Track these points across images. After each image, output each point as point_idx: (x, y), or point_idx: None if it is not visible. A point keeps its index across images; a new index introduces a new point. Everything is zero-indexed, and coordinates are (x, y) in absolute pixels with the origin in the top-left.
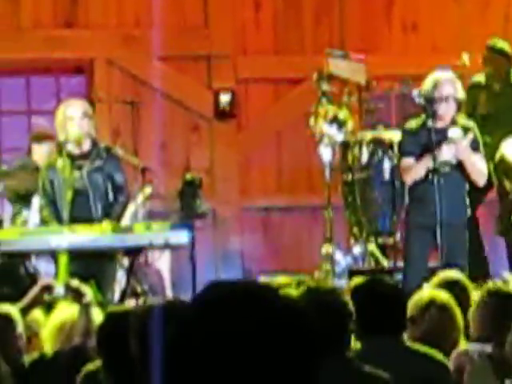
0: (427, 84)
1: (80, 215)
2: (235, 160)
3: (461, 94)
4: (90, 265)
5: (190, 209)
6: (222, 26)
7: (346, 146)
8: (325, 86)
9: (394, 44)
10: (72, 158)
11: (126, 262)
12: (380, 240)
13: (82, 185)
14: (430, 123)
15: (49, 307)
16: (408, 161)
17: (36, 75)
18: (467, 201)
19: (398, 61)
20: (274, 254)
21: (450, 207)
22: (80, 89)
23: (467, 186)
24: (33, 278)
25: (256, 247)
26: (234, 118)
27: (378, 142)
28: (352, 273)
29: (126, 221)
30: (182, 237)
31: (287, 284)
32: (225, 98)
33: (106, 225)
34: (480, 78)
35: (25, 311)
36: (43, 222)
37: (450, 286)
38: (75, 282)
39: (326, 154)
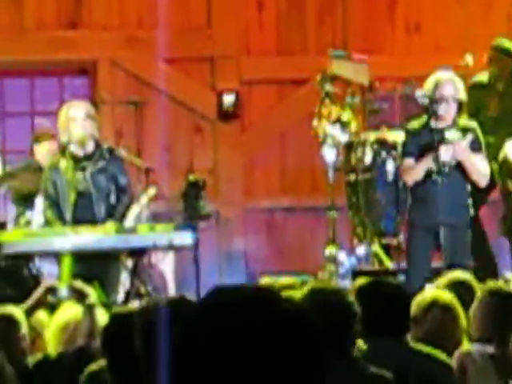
0: (428, 84)
1: (83, 216)
2: (239, 161)
3: (462, 95)
4: (94, 266)
5: (194, 210)
6: (226, 26)
7: (349, 146)
8: (328, 87)
9: (398, 44)
10: (75, 159)
11: (129, 263)
12: (384, 241)
13: (85, 186)
14: (431, 124)
15: (53, 308)
16: (408, 161)
17: (39, 76)
18: (469, 201)
19: (401, 61)
20: (277, 254)
21: (451, 208)
22: (83, 90)
23: (469, 187)
24: (36, 280)
25: (260, 248)
26: (237, 119)
27: (381, 143)
28: (356, 274)
29: (129, 222)
30: (185, 238)
31: (291, 285)
32: (228, 99)
33: (110, 226)
34: (482, 77)
35: (29, 312)
36: (47, 223)
37: (458, 286)
38: (79, 284)
39: (329, 154)
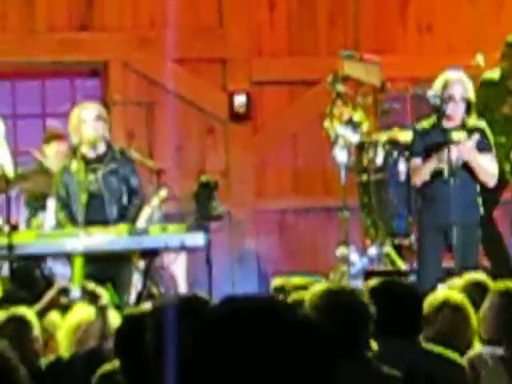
0: (437, 84)
1: (95, 218)
2: (250, 162)
3: (471, 95)
4: (106, 267)
5: (206, 211)
6: (237, 27)
7: (361, 147)
8: (340, 88)
9: (409, 45)
10: (86, 160)
11: (141, 264)
12: (396, 241)
13: (96, 188)
14: (441, 124)
15: (65, 310)
16: (415, 162)
17: (51, 78)
18: (479, 200)
19: (412, 62)
20: (289, 255)
21: (461, 207)
22: (95, 91)
23: (477, 186)
24: (49, 281)
25: (271, 249)
26: (249, 120)
27: (393, 143)
28: (368, 274)
29: (141, 223)
30: (197, 239)
31: (303, 285)
32: (240, 100)
33: (122, 227)
34: (493, 74)
35: (41, 314)
36: (59, 224)
37: (474, 287)
38: (91, 285)
39: (341, 155)
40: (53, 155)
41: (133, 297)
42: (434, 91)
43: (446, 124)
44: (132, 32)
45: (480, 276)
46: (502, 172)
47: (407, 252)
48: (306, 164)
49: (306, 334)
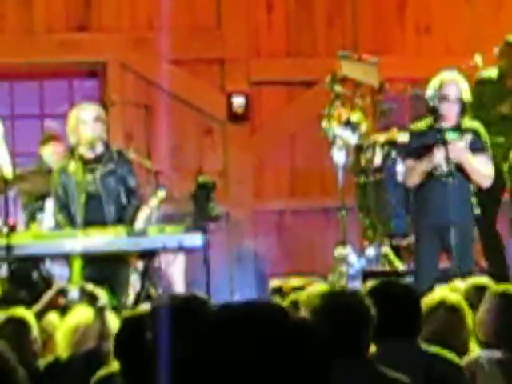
0: (432, 85)
1: (93, 219)
2: (249, 163)
3: (466, 95)
4: (104, 268)
5: (204, 212)
6: (235, 28)
7: (359, 148)
8: (338, 89)
9: (407, 45)
10: (84, 161)
11: (140, 265)
12: (394, 242)
13: (94, 188)
14: (436, 124)
15: (64, 311)
16: (409, 163)
17: (49, 79)
18: (473, 200)
19: (411, 62)
20: (287, 256)
21: (456, 208)
22: (93, 92)
23: (471, 187)
24: (47, 282)
25: (269, 249)
26: (247, 121)
27: (391, 144)
28: (366, 275)
29: (139, 224)
30: (195, 240)
31: (301, 286)
32: (238, 101)
33: (120, 228)
34: (491, 73)
35: (40, 315)
36: (57, 225)
37: (477, 291)
38: (90, 286)
39: (339, 156)
40: (49, 156)
41: (131, 298)
42: (430, 91)
43: (440, 124)
44: (130, 33)
45: (482, 279)
46: (500, 173)
47: (405, 253)
48: (305, 165)
49: (303, 337)
